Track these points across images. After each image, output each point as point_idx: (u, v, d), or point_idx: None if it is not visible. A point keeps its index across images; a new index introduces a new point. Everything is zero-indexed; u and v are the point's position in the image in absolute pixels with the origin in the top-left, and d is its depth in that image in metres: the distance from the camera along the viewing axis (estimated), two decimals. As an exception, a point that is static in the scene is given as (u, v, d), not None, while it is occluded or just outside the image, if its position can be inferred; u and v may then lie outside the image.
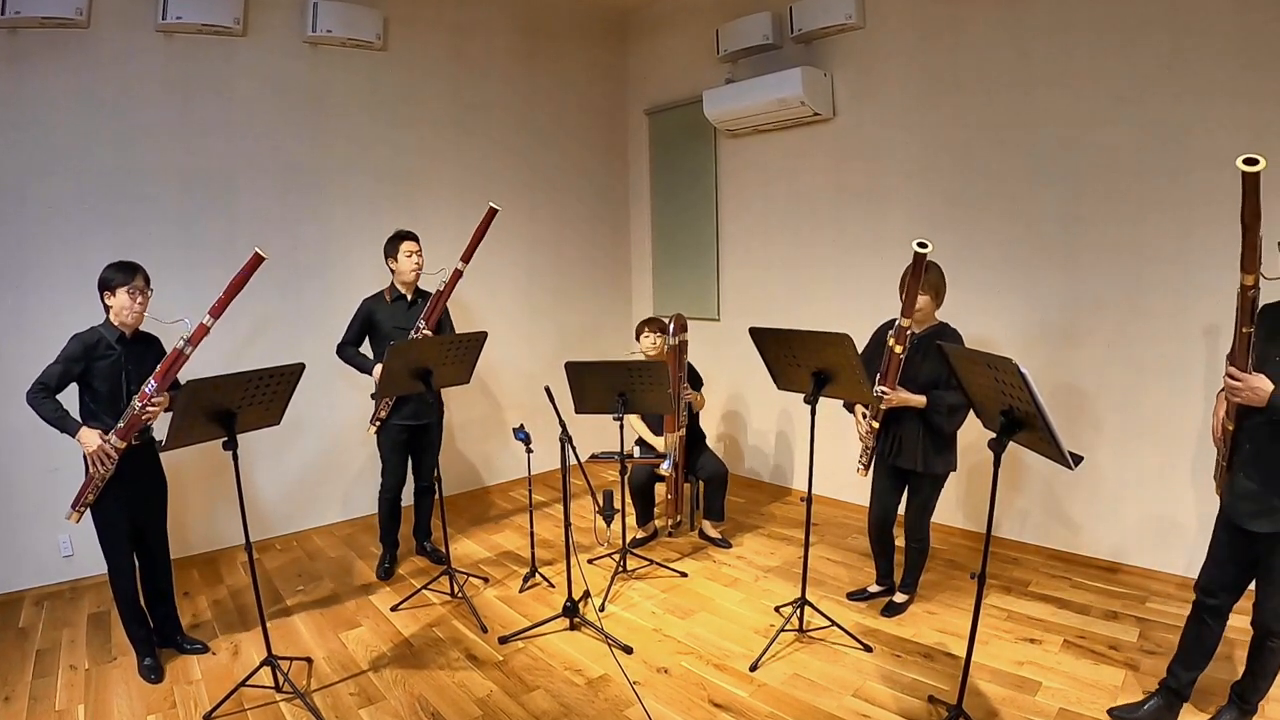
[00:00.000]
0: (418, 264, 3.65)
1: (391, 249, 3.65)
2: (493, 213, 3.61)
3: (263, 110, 4.13)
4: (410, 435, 3.73)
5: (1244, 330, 1.95)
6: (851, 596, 3.43)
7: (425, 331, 3.54)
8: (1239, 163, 1.76)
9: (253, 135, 4.11)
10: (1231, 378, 2.02)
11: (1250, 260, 1.85)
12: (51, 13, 3.45)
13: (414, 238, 3.67)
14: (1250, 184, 1.77)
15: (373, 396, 3.61)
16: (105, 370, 2.69)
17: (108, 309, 2.72)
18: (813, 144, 4.65)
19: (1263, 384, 1.97)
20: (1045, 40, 3.62)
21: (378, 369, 3.51)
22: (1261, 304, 2.08)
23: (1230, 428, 2.17)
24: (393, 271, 3.67)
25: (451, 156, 4.91)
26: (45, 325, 3.47)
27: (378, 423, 3.64)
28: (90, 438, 2.62)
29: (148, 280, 2.76)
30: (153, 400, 2.66)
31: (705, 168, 5.30)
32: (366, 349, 3.74)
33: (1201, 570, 2.34)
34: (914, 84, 4.15)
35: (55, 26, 3.53)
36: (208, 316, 2.75)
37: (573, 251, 5.67)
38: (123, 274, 2.69)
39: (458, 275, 3.63)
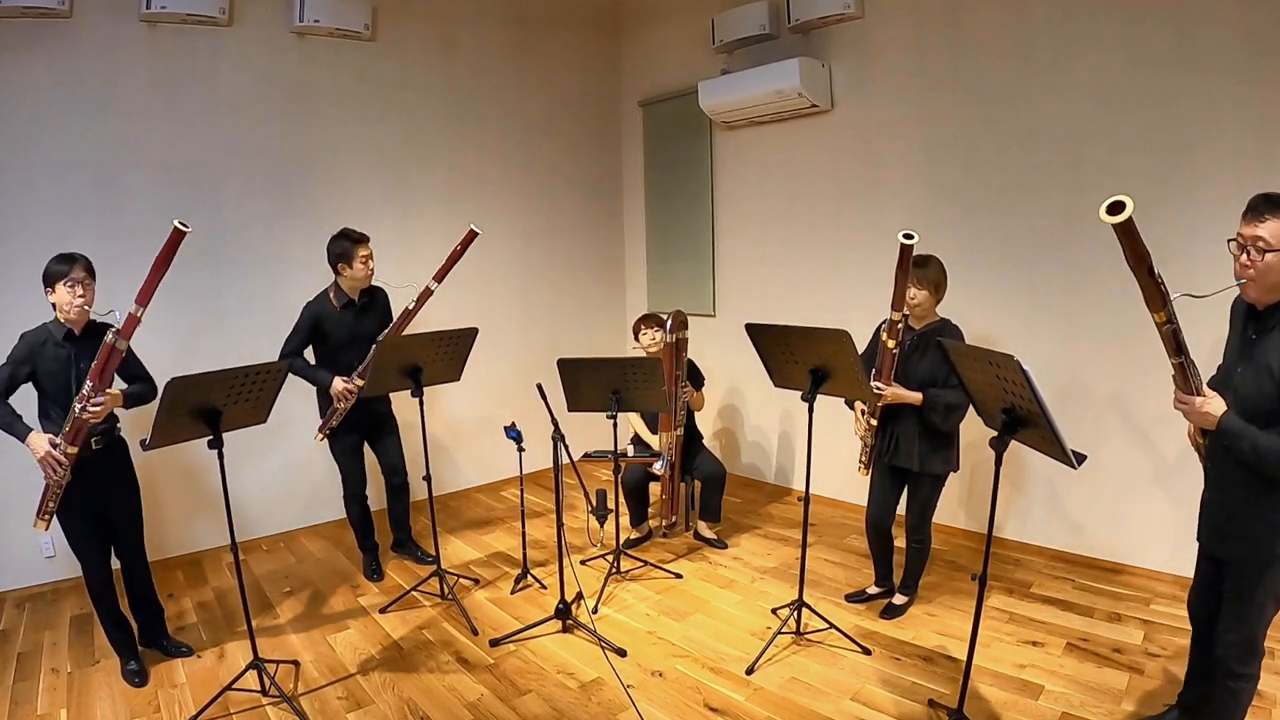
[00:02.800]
0: (371, 269, 3.49)
1: (344, 254, 3.41)
2: (472, 236, 3.47)
3: (249, 102, 4.06)
4: (362, 440, 3.65)
5: (1174, 361, 1.85)
6: (850, 598, 3.38)
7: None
8: (1102, 213, 1.61)
9: (238, 127, 4.04)
10: (1180, 402, 1.92)
11: (1154, 299, 1.75)
12: (33, 2, 3.39)
13: (367, 240, 3.48)
14: (1122, 232, 1.64)
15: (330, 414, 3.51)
16: (54, 369, 2.60)
17: (54, 306, 2.60)
18: (810, 136, 4.59)
19: (1213, 406, 1.85)
20: (1047, 30, 3.56)
21: (338, 382, 3.40)
22: (1234, 299, 2.02)
23: (1201, 441, 2.08)
24: (338, 272, 3.47)
25: (442, 149, 4.84)
26: (26, 321, 3.39)
27: (327, 430, 3.54)
28: (39, 443, 2.51)
29: (90, 270, 2.61)
30: (92, 401, 2.51)
31: (700, 160, 5.23)
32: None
33: (1189, 594, 2.28)
34: (913, 75, 4.09)
35: (37, 16, 3.46)
36: (135, 305, 2.53)
37: (565, 246, 5.60)
38: (61, 265, 2.55)
39: (428, 294, 3.49)
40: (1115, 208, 1.60)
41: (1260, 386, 1.84)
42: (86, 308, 2.60)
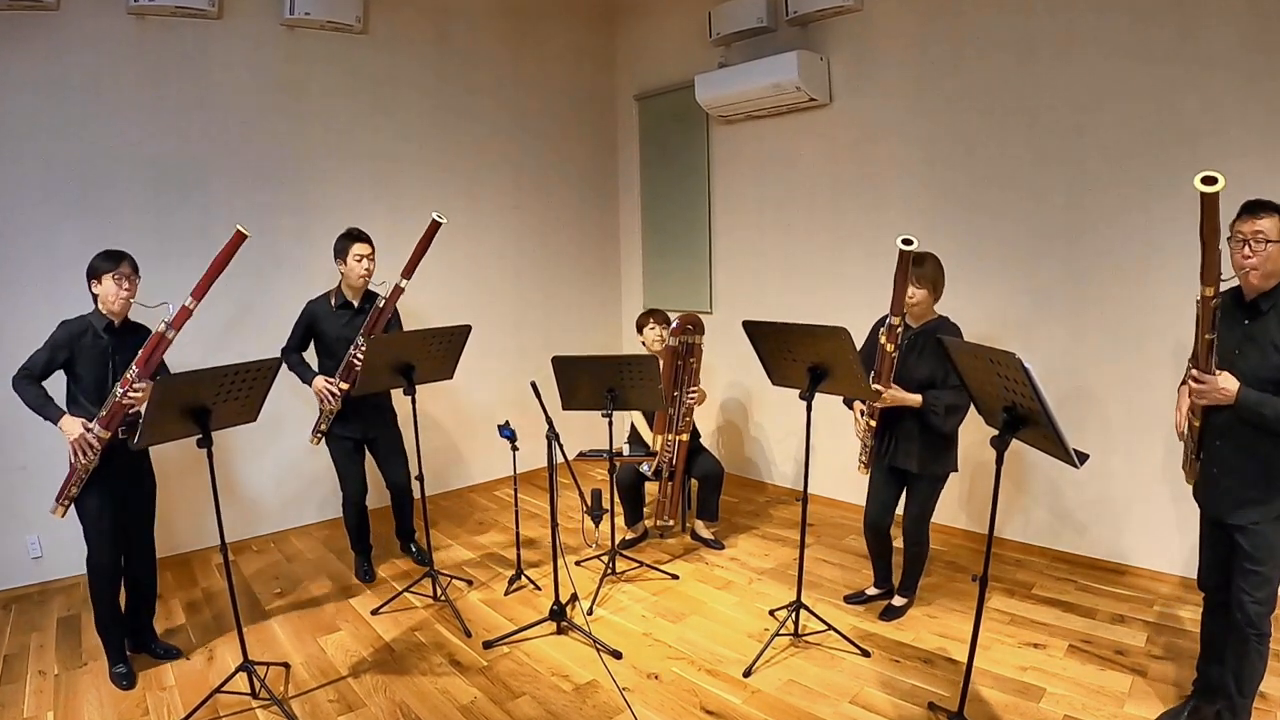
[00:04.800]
0: (368, 269, 3.44)
1: (341, 250, 3.43)
2: (435, 227, 3.39)
3: (238, 96, 4.01)
4: (361, 446, 3.63)
5: (1206, 337, 1.99)
6: (849, 600, 3.35)
7: (364, 350, 3.31)
8: (1197, 182, 1.76)
9: (228, 121, 3.99)
10: (1197, 380, 2.05)
11: (1210, 274, 1.90)
12: (18, -6, 3.34)
13: (366, 239, 3.44)
14: (1209, 204, 1.78)
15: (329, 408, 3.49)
16: (91, 358, 2.67)
17: (95, 297, 2.69)
18: (809, 130, 4.54)
19: (1229, 383, 2.00)
20: (1049, 21, 3.52)
21: (318, 381, 3.40)
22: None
23: (1196, 424, 2.20)
24: (341, 274, 3.48)
25: (434, 144, 4.79)
26: (12, 315, 3.38)
27: (319, 435, 3.52)
28: (73, 426, 2.58)
29: (135, 267, 2.73)
30: (135, 386, 2.60)
31: (697, 155, 5.18)
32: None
33: (1199, 568, 2.35)
34: (913, 68, 4.04)
35: (23, 9, 3.41)
36: (190, 299, 2.70)
37: (560, 242, 5.55)
38: (108, 261, 2.67)
39: (399, 292, 3.44)
40: (1209, 180, 1.75)
41: (1267, 359, 2.01)
42: (130, 301, 2.72)
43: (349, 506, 3.64)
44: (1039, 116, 3.59)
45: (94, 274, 2.66)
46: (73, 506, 2.69)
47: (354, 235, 3.44)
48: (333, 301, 3.50)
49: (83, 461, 2.59)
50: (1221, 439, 2.14)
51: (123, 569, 2.85)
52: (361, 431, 3.56)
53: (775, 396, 4.59)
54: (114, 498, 2.72)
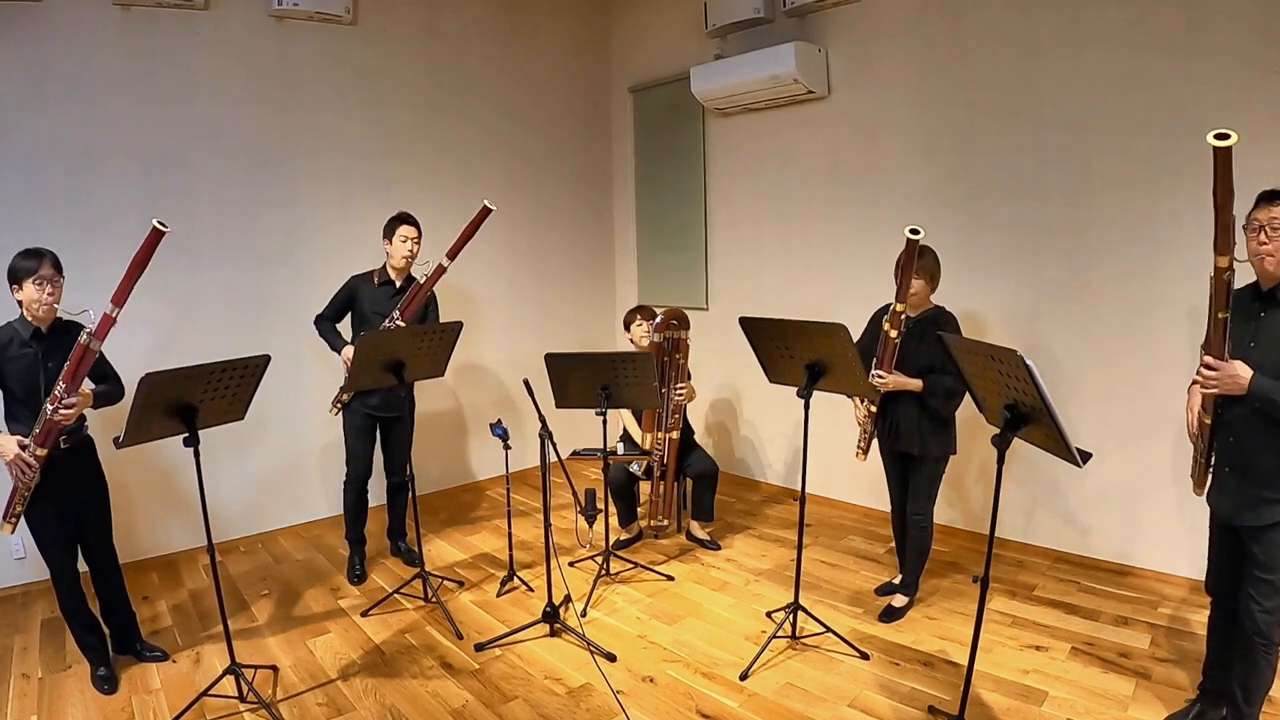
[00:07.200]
0: (411, 251, 3.51)
1: (388, 230, 3.52)
2: (486, 212, 3.46)
3: (225, 88, 3.96)
4: (375, 425, 3.62)
5: (1219, 315, 1.94)
6: (879, 591, 3.36)
7: (399, 324, 3.41)
8: (1210, 137, 1.73)
9: (215, 114, 3.94)
10: (1208, 367, 2.01)
11: (1224, 242, 1.86)
12: (0, -16, 3.29)
13: (413, 222, 3.53)
14: (1222, 159, 1.74)
15: (342, 389, 3.46)
16: (21, 370, 2.53)
17: (20, 303, 2.52)
18: (806, 123, 4.49)
19: (1241, 371, 1.96)
20: (1052, 13, 3.47)
21: (347, 350, 3.42)
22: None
23: (1208, 422, 2.15)
24: (386, 254, 3.55)
25: (425, 137, 4.74)
26: None
27: (339, 405, 3.53)
28: (8, 445, 2.44)
29: (58, 267, 2.53)
30: (64, 403, 2.44)
31: (693, 149, 5.13)
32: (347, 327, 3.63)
33: (1207, 573, 2.31)
34: (913, 60, 3.99)
35: (6, -1, 3.35)
36: (111, 306, 2.46)
37: (554, 237, 5.50)
38: (27, 262, 2.47)
39: (440, 271, 3.50)
40: (1223, 135, 1.72)
41: None
42: (55, 306, 2.53)
43: (350, 486, 3.61)
44: (1041, 109, 3.54)
45: (12, 277, 2.46)
46: (24, 521, 2.58)
47: (402, 218, 3.53)
48: (376, 279, 3.57)
49: (23, 480, 2.48)
50: (1234, 435, 2.09)
51: (86, 574, 2.77)
52: (381, 409, 3.55)
53: (772, 394, 4.55)
54: (63, 507, 2.63)
